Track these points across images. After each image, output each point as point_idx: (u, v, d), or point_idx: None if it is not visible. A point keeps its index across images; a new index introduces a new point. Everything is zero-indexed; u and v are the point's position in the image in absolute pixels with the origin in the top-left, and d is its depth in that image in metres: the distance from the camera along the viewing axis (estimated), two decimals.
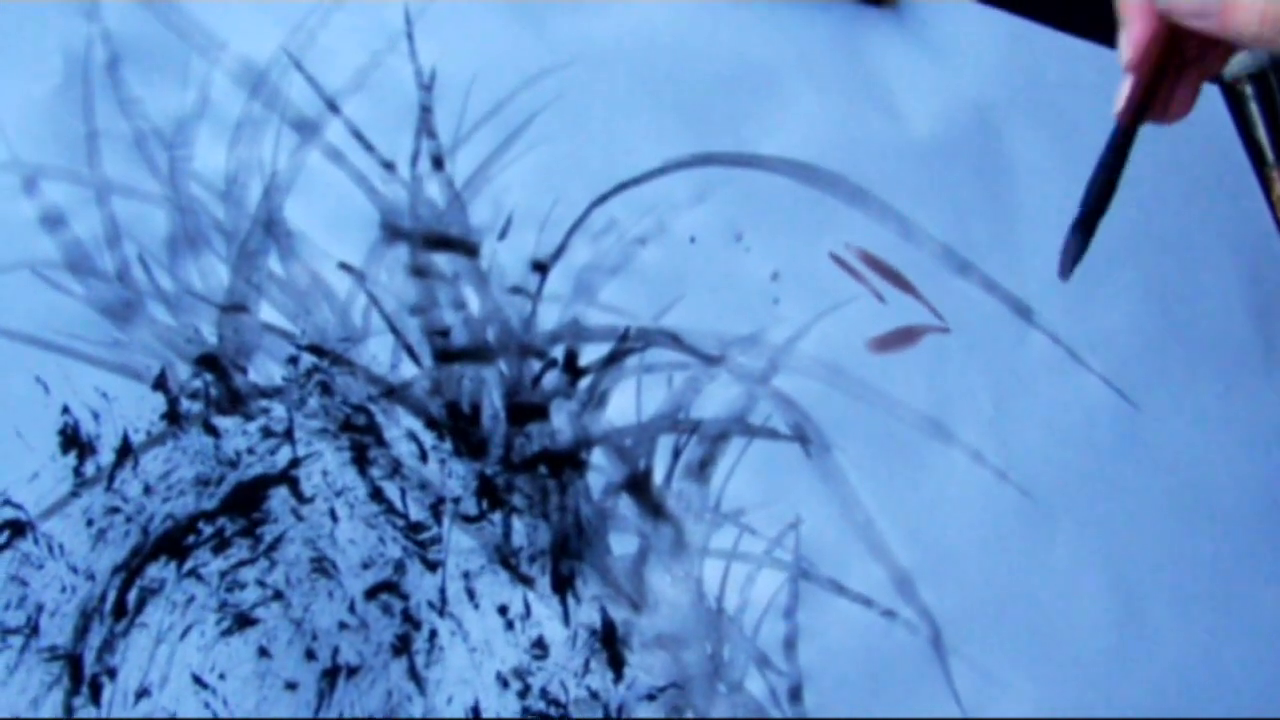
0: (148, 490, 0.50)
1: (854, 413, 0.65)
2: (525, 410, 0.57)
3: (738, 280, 0.65)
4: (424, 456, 0.55)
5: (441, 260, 0.59)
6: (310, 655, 0.50)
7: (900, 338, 0.69)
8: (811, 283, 0.67)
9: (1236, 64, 0.90)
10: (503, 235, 0.61)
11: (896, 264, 0.70)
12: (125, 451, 0.50)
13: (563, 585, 0.55)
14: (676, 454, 0.60)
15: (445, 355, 0.57)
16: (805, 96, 0.72)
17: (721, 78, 0.70)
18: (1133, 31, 0.54)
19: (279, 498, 0.52)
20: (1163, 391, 0.75)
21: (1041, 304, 0.74)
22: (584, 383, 0.59)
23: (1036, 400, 0.71)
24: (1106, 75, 0.85)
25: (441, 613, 0.52)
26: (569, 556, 0.55)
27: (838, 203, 0.70)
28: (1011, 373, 0.70)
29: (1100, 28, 0.84)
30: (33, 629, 0.47)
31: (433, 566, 0.53)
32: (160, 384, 0.51)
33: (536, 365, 0.59)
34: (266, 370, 0.53)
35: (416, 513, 0.54)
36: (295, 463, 0.52)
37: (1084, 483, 0.70)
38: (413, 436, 0.55)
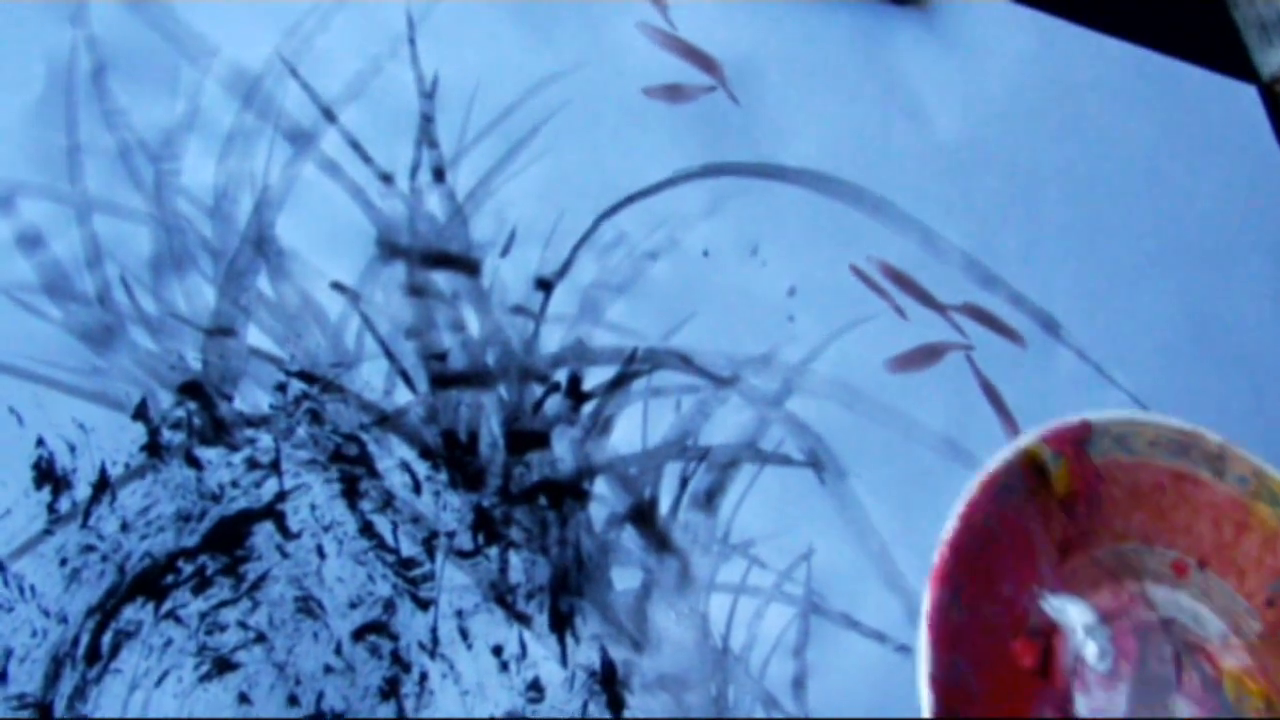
0: (125, 527, 0.47)
1: (871, 436, 0.63)
2: (525, 438, 0.55)
3: (752, 296, 0.63)
4: (418, 488, 0.52)
5: (440, 279, 0.56)
6: (293, 701, 0.48)
7: (921, 356, 0.66)
8: (829, 299, 0.64)
9: (1277, 63, 0.86)
10: (505, 251, 0.58)
11: (919, 277, 0.67)
12: (102, 486, 0.48)
13: (561, 623, 0.53)
14: (684, 483, 0.57)
15: (442, 380, 0.54)
16: (825, 101, 0.69)
17: (737, 82, 0.67)
18: None
19: (264, 533, 0.49)
20: (1193, 408, 0.72)
21: (1069, 318, 0.71)
22: (588, 408, 0.57)
23: (1059, 418, 0.68)
24: (1141, 77, 0.82)
25: (433, 654, 0.50)
26: (568, 593, 0.53)
27: (858, 214, 0.67)
28: (1036, 391, 0.68)
29: (1135, 25, 0.81)
30: (0, 675, 0.45)
31: (424, 605, 0.51)
32: (141, 413, 0.49)
33: (538, 390, 0.56)
34: (253, 398, 0.51)
35: (408, 548, 0.51)
36: (282, 496, 0.50)
37: None
38: (406, 467, 0.52)
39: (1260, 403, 0.75)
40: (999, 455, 0.52)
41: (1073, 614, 0.53)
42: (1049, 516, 0.53)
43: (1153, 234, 0.77)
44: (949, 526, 0.49)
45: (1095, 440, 0.53)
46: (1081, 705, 0.52)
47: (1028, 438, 0.52)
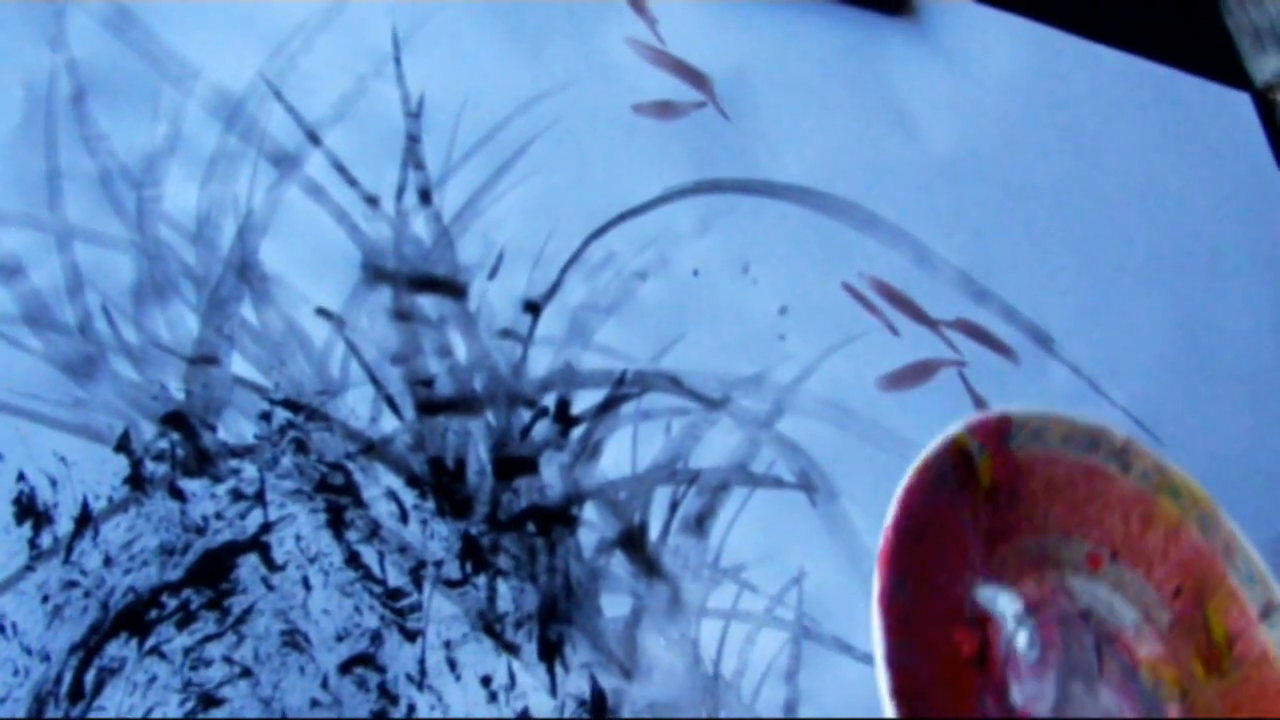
0: (108, 561, 0.47)
1: (863, 456, 0.62)
2: (513, 464, 0.54)
3: (744, 315, 0.62)
4: (404, 517, 0.52)
5: (427, 303, 0.56)
6: None
7: (914, 373, 0.65)
8: (821, 317, 0.64)
9: (1270, 70, 0.86)
10: (493, 274, 0.57)
11: (911, 293, 0.67)
12: (85, 520, 0.47)
13: (550, 652, 0.52)
14: (674, 507, 0.57)
15: (429, 407, 0.54)
16: (816, 116, 0.69)
17: (726, 98, 0.67)
18: None
19: (248, 566, 0.49)
20: (1188, 424, 0.72)
21: (1063, 333, 0.70)
22: (576, 432, 0.56)
23: None
24: (1134, 85, 0.81)
25: (420, 686, 0.50)
26: (557, 621, 0.53)
27: (850, 230, 0.66)
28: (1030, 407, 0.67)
29: (1127, 33, 0.80)
30: None
31: (412, 636, 0.50)
32: (123, 445, 0.49)
33: (526, 415, 0.56)
34: (237, 428, 0.50)
35: (395, 578, 0.51)
36: (267, 527, 0.49)
37: None
38: (393, 496, 0.52)
39: (1257, 415, 0.75)
40: (932, 444, 0.53)
41: (1003, 603, 0.54)
42: (977, 507, 0.54)
43: (1146, 245, 0.76)
44: (890, 512, 0.50)
45: (1014, 433, 0.55)
46: (1016, 693, 0.53)
47: (955, 426, 0.53)
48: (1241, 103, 0.85)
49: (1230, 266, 0.78)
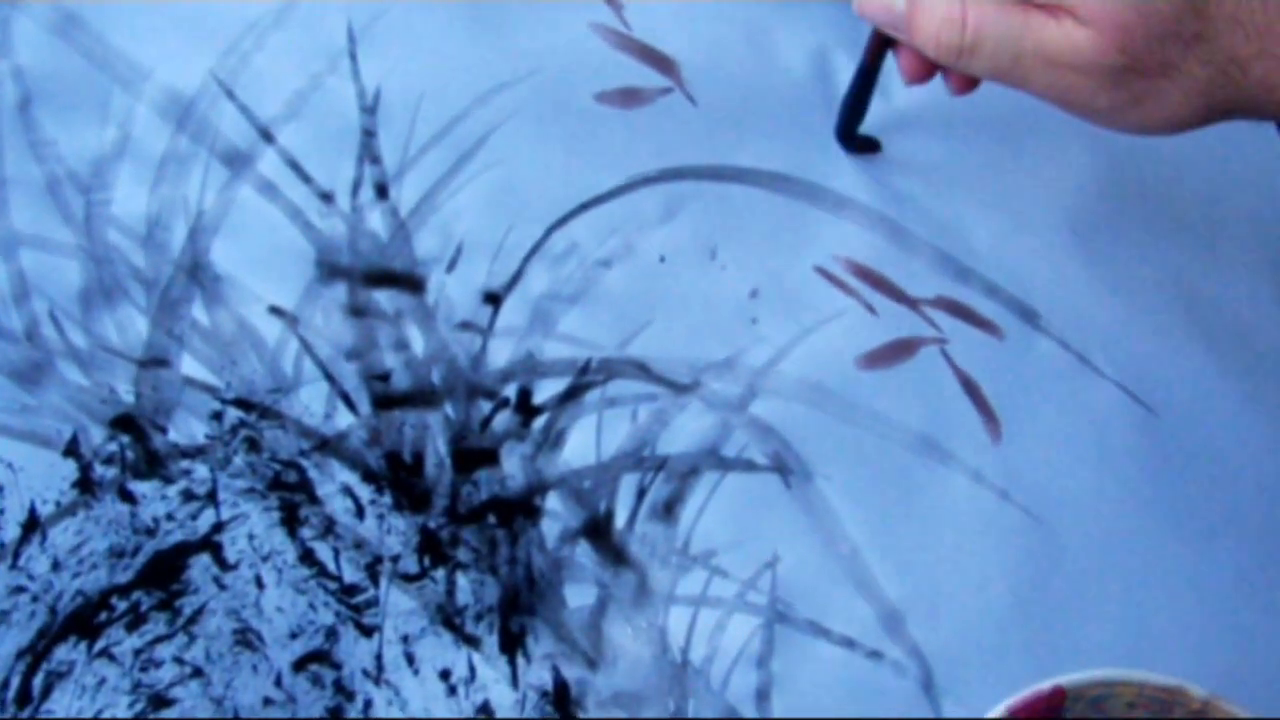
0: (56, 566, 0.47)
1: (840, 436, 0.61)
2: (473, 456, 0.54)
3: (712, 301, 0.62)
4: (360, 512, 0.52)
5: (383, 298, 0.56)
6: None
7: (893, 352, 0.64)
8: (794, 299, 0.63)
9: None
10: (451, 266, 0.57)
11: (888, 273, 0.66)
12: (32, 525, 0.47)
13: (512, 644, 0.52)
14: (641, 494, 0.56)
15: (385, 401, 0.54)
16: (786, 98, 0.68)
17: (694, 83, 0.66)
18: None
19: (200, 566, 0.49)
20: (1184, 395, 0.70)
21: (1049, 307, 0.69)
22: (539, 422, 0.56)
23: (1042, 411, 0.66)
24: None
25: (377, 681, 0.50)
26: (519, 612, 0.52)
27: (821, 213, 0.66)
28: (1015, 383, 0.66)
29: None
30: None
31: (368, 632, 0.50)
32: (72, 450, 0.49)
33: (486, 406, 0.55)
34: (188, 428, 0.51)
35: (351, 574, 0.51)
36: (219, 527, 0.49)
37: (1095, 500, 0.65)
38: (348, 491, 0.52)
39: (1257, 385, 0.73)
40: None
41: None
42: None
43: (1138, 213, 0.75)
44: None
45: (1069, 707, 0.51)
46: None
47: (995, 712, 0.49)
48: None
49: (1230, 232, 0.76)
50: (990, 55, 0.55)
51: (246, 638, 0.48)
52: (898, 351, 0.64)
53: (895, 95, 0.69)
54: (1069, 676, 0.50)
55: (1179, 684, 0.51)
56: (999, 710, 0.49)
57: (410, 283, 0.56)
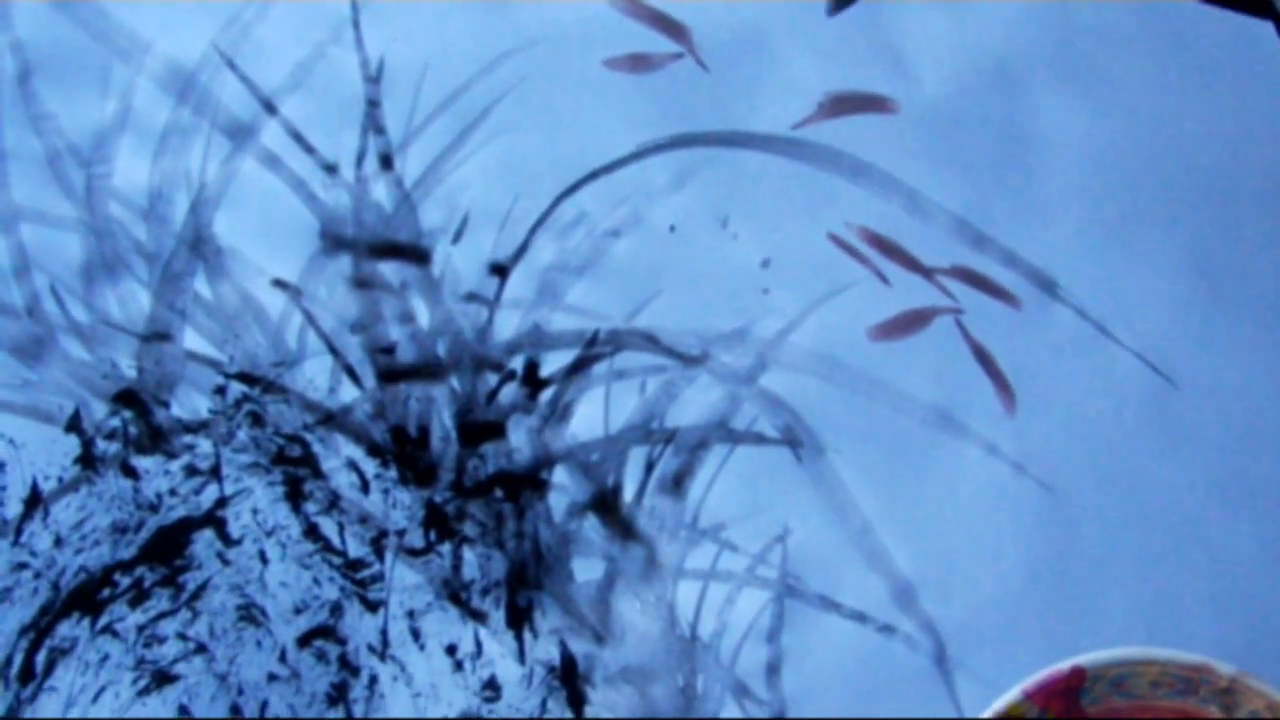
0: (59, 542, 0.47)
1: (852, 409, 0.60)
2: (479, 429, 0.54)
3: (723, 270, 0.61)
4: (365, 487, 0.51)
5: (388, 269, 0.55)
6: (236, 711, 0.47)
7: (907, 322, 0.64)
8: (807, 268, 0.62)
9: None
10: (457, 237, 0.57)
11: (903, 242, 0.65)
12: (34, 501, 0.47)
13: (519, 619, 0.51)
14: (649, 467, 0.56)
15: (390, 374, 0.53)
16: (800, 62, 0.67)
17: (706, 48, 0.65)
18: None
19: (203, 541, 0.48)
20: (1203, 366, 0.69)
21: (1068, 276, 0.68)
22: (546, 395, 0.55)
23: (1058, 382, 0.65)
24: (1145, 23, 0.78)
25: (383, 656, 0.49)
26: (526, 587, 0.52)
27: (836, 179, 0.65)
28: (1031, 354, 0.65)
29: None
30: None
31: (373, 607, 0.50)
32: (74, 425, 0.49)
33: (493, 379, 0.55)
34: (191, 403, 0.50)
35: (356, 549, 0.50)
36: (222, 502, 0.49)
37: (1111, 472, 0.65)
38: (353, 466, 0.51)
39: (1275, 354, 0.72)
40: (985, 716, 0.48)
41: None
42: None
43: (1158, 180, 0.74)
44: None
45: (1089, 688, 0.50)
46: None
47: (1010, 695, 0.48)
48: (1264, 32, 0.82)
49: (1248, 199, 0.75)
50: None
51: (250, 613, 0.48)
52: (911, 322, 0.63)
53: (924, 84, 0.68)
54: (1089, 656, 0.49)
55: (1204, 662, 0.50)
56: (1014, 692, 0.48)
57: (415, 254, 0.55)
